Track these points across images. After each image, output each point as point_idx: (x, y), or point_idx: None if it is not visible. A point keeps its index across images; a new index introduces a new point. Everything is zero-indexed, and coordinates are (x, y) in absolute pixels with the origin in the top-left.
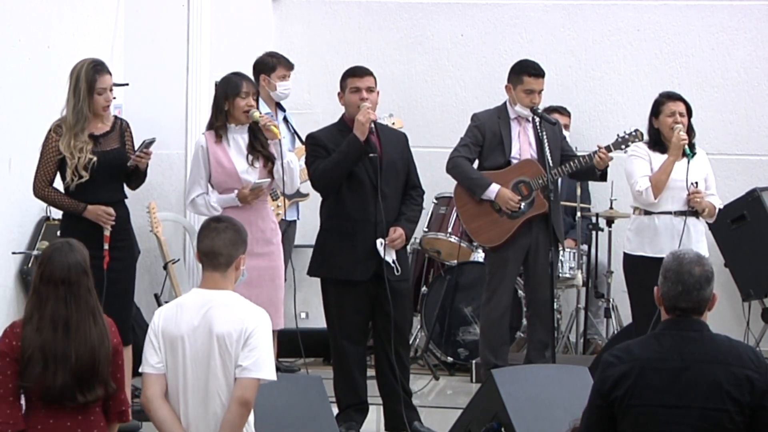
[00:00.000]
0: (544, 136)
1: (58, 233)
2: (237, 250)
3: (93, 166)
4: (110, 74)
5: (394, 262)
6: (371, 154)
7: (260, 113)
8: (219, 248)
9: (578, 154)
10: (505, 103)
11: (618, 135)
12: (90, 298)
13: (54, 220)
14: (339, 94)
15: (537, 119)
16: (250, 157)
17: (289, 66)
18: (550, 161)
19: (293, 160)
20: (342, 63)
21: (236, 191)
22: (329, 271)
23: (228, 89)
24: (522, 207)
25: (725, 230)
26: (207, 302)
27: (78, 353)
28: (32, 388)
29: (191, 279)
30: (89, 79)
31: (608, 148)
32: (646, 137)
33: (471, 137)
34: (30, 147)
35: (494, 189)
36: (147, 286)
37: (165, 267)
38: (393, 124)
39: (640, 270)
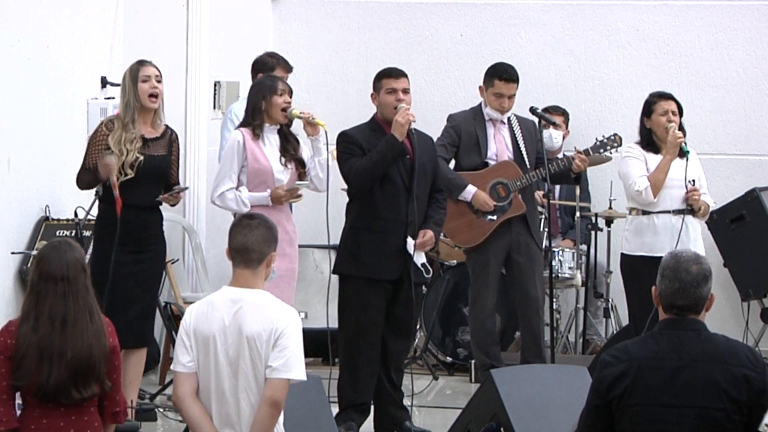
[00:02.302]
0: (520, 138)
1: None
2: (269, 248)
3: (139, 165)
4: (154, 66)
5: (423, 264)
6: (405, 156)
7: (299, 110)
8: (251, 244)
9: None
10: (480, 104)
11: (597, 139)
12: (87, 296)
13: (53, 220)
14: (372, 94)
15: (514, 120)
16: (283, 159)
17: (288, 68)
18: (528, 162)
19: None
20: (341, 63)
21: (269, 190)
22: (358, 268)
23: (265, 88)
24: (500, 207)
25: (724, 230)
26: (238, 301)
27: (74, 349)
28: (26, 387)
29: (190, 279)
30: (133, 72)
31: (586, 152)
32: (637, 138)
33: (447, 137)
34: (29, 147)
35: (471, 191)
36: None
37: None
38: None
39: (641, 270)
